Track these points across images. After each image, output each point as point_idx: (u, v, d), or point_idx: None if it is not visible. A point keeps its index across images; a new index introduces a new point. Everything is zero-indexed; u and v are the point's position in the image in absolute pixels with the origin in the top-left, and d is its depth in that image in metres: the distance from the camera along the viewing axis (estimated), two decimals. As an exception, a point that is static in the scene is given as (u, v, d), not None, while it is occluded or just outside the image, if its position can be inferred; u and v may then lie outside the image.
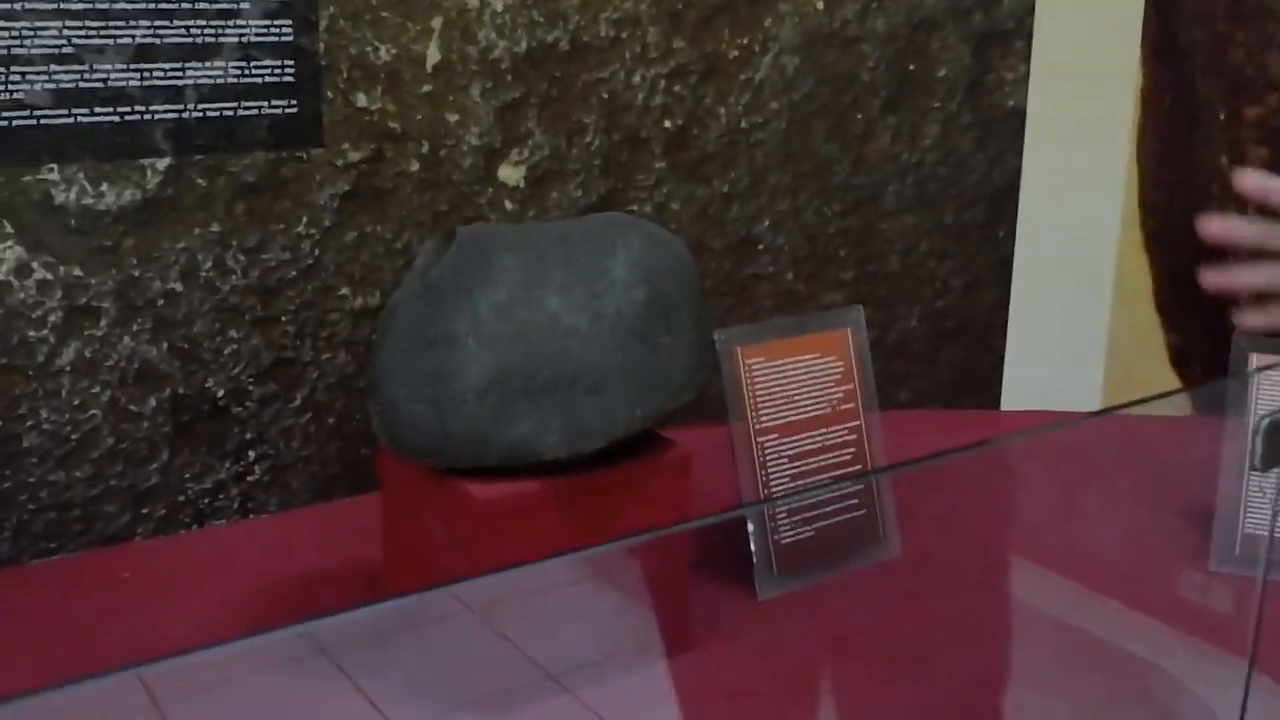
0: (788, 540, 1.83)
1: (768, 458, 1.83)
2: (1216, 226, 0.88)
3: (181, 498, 1.99)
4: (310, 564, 1.89)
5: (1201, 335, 2.49)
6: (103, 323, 1.88)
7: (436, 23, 2.04)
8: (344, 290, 2.06)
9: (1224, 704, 1.50)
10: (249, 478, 2.04)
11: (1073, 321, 2.53)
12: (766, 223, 2.42)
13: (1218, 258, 0.90)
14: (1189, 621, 1.80)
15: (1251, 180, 0.88)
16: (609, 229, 1.64)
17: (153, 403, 1.94)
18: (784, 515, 1.82)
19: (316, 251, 2.02)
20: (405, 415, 1.55)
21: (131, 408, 1.92)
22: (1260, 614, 1.38)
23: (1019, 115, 2.51)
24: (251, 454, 2.03)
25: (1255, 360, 1.98)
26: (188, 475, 1.99)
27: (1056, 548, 1.98)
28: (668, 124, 2.28)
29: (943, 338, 2.59)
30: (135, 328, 1.91)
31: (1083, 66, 2.47)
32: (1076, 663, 1.66)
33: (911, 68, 2.46)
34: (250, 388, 2.01)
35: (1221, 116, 2.52)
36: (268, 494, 2.06)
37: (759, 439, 1.83)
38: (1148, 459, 2.19)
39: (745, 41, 2.31)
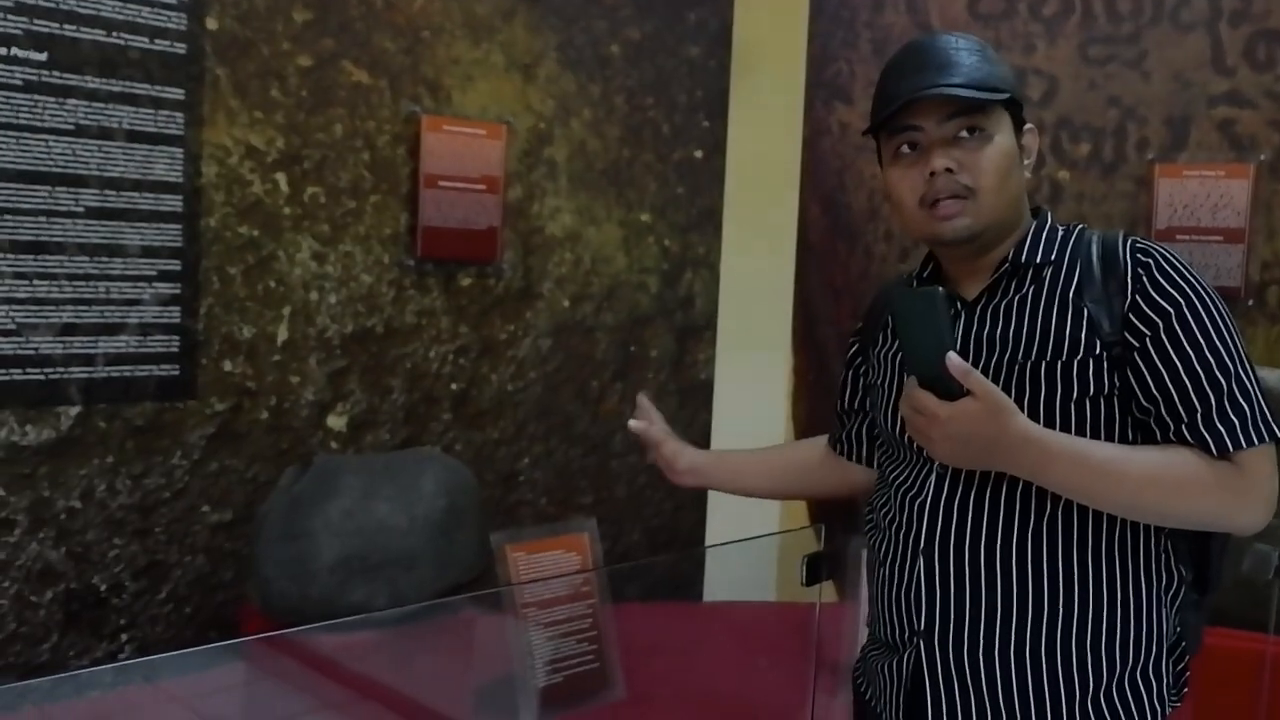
0: (544, 685, 2.53)
1: (529, 624, 2.56)
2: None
3: (64, 672, 2.51)
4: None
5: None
6: (16, 532, 2.45)
7: (286, 311, 2.79)
8: (205, 508, 2.69)
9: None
10: (120, 655, 2.58)
11: (752, 534, 3.41)
12: (526, 461, 3.22)
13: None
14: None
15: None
16: (420, 459, 2.40)
17: (49, 595, 2.49)
18: (541, 665, 2.53)
19: (186, 478, 2.66)
20: (275, 588, 2.21)
21: (32, 599, 2.47)
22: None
23: (709, 384, 3.47)
24: (124, 636, 2.59)
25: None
26: (72, 654, 2.52)
27: (729, 691, 2.76)
28: (454, 387, 3.07)
29: (657, 548, 3.42)
30: (41, 536, 2.48)
31: (752, 352, 3.46)
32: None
33: (632, 349, 3.38)
34: (127, 584, 2.59)
35: (848, 388, 3.55)
36: (134, 668, 2.60)
37: (522, 610, 2.56)
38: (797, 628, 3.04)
39: (512, 328, 3.17)
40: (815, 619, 2.15)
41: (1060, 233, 1.45)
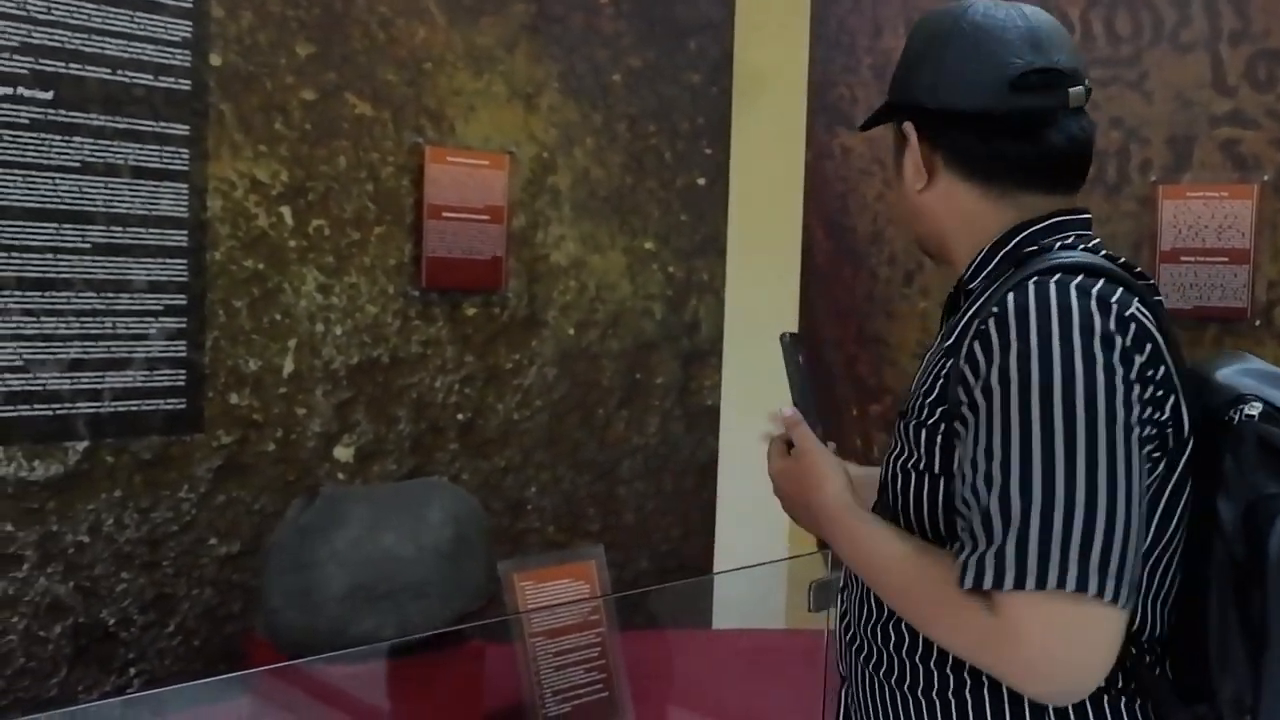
0: (553, 714, 2.52)
1: (537, 652, 2.55)
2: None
3: (72, 706, 2.50)
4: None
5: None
6: (24, 567, 2.45)
7: (292, 343, 2.80)
8: (213, 540, 2.69)
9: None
10: (128, 689, 2.58)
11: (761, 560, 3.40)
12: (533, 489, 3.22)
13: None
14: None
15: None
16: (427, 489, 2.40)
17: (58, 629, 2.49)
18: (550, 695, 2.52)
19: (194, 511, 2.66)
20: (283, 619, 2.21)
21: (41, 634, 2.47)
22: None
23: (715, 410, 3.46)
24: (132, 670, 2.59)
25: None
26: (80, 688, 2.52)
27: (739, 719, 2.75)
28: (460, 417, 3.08)
29: (665, 575, 3.41)
30: (50, 570, 2.48)
31: (757, 377, 3.45)
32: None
33: (638, 376, 3.38)
34: (135, 617, 2.58)
35: (855, 412, 3.55)
36: (143, 703, 2.59)
37: (530, 639, 2.55)
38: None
39: (517, 357, 3.18)
40: (824, 645, 2.14)
41: (1017, 259, 1.18)
